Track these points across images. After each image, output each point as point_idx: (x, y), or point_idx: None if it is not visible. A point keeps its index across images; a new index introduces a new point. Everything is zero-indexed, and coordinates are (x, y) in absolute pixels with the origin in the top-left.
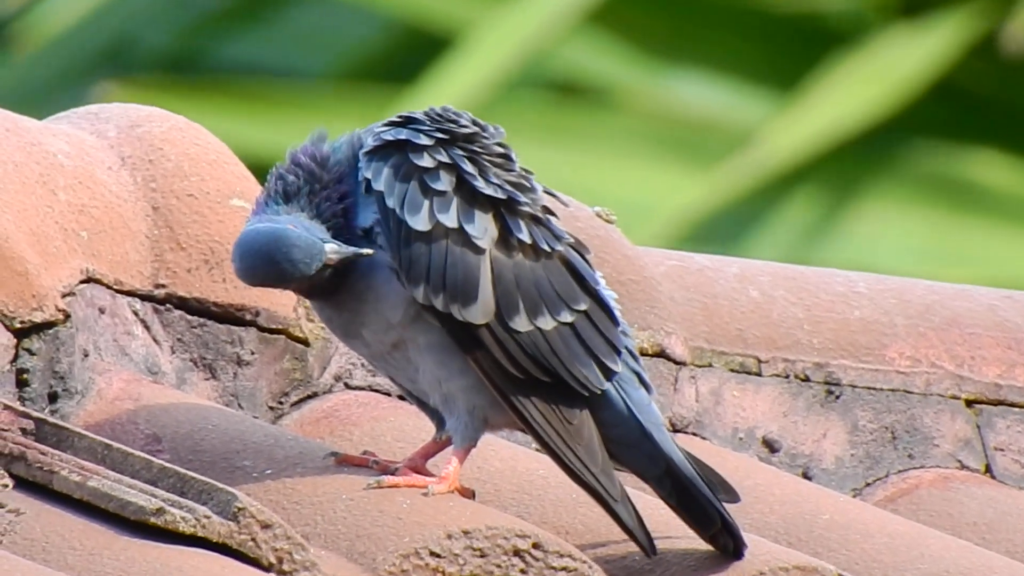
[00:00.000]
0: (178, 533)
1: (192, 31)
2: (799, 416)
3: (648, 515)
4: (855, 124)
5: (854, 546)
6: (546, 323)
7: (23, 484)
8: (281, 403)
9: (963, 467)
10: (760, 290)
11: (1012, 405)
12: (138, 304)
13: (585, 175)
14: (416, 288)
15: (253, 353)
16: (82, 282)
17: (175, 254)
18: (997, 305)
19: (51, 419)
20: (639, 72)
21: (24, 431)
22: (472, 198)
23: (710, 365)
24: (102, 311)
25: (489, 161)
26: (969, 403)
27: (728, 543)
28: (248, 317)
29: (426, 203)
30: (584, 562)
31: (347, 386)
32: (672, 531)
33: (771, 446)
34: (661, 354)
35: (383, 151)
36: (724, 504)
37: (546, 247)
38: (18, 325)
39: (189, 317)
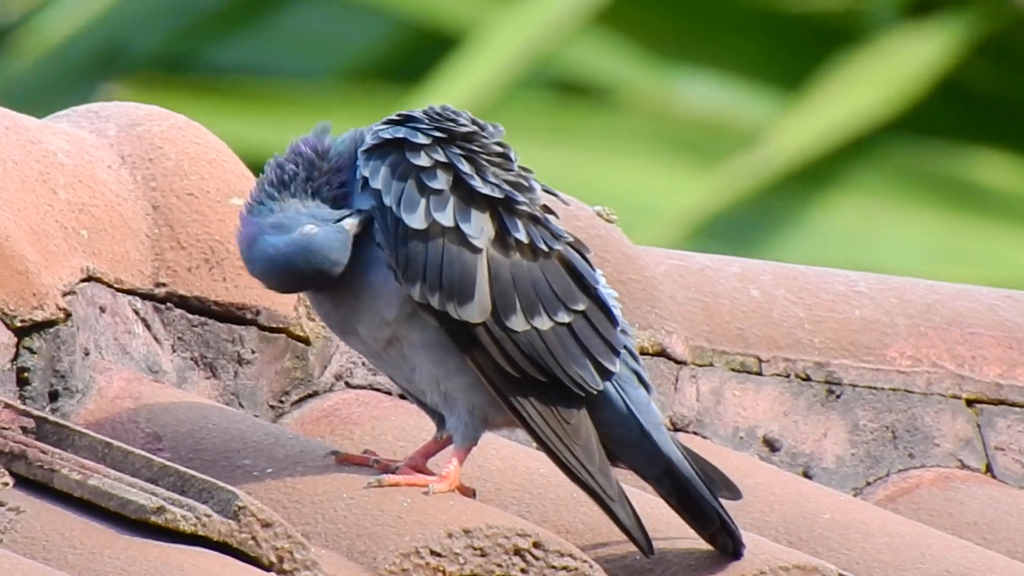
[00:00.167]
0: (179, 532)
1: (194, 33)
2: (800, 415)
3: (648, 514)
4: (859, 124)
5: (855, 545)
6: (543, 323)
7: (23, 482)
8: (282, 402)
9: (964, 467)
10: (761, 289)
11: (1013, 405)
12: (139, 303)
13: (591, 175)
14: (413, 286)
15: (254, 352)
16: (82, 281)
17: (175, 253)
18: (998, 305)
19: (52, 418)
20: (644, 72)
21: (25, 430)
22: (469, 197)
23: (711, 364)
24: (103, 310)
25: (487, 160)
26: (970, 403)
27: (727, 543)
28: (249, 316)
29: (422, 201)
30: (585, 561)
31: (348, 385)
32: (672, 531)
33: (772, 445)
34: (662, 353)
35: (381, 149)
36: (724, 503)
37: (544, 247)
38: (19, 324)
39: (190, 316)
